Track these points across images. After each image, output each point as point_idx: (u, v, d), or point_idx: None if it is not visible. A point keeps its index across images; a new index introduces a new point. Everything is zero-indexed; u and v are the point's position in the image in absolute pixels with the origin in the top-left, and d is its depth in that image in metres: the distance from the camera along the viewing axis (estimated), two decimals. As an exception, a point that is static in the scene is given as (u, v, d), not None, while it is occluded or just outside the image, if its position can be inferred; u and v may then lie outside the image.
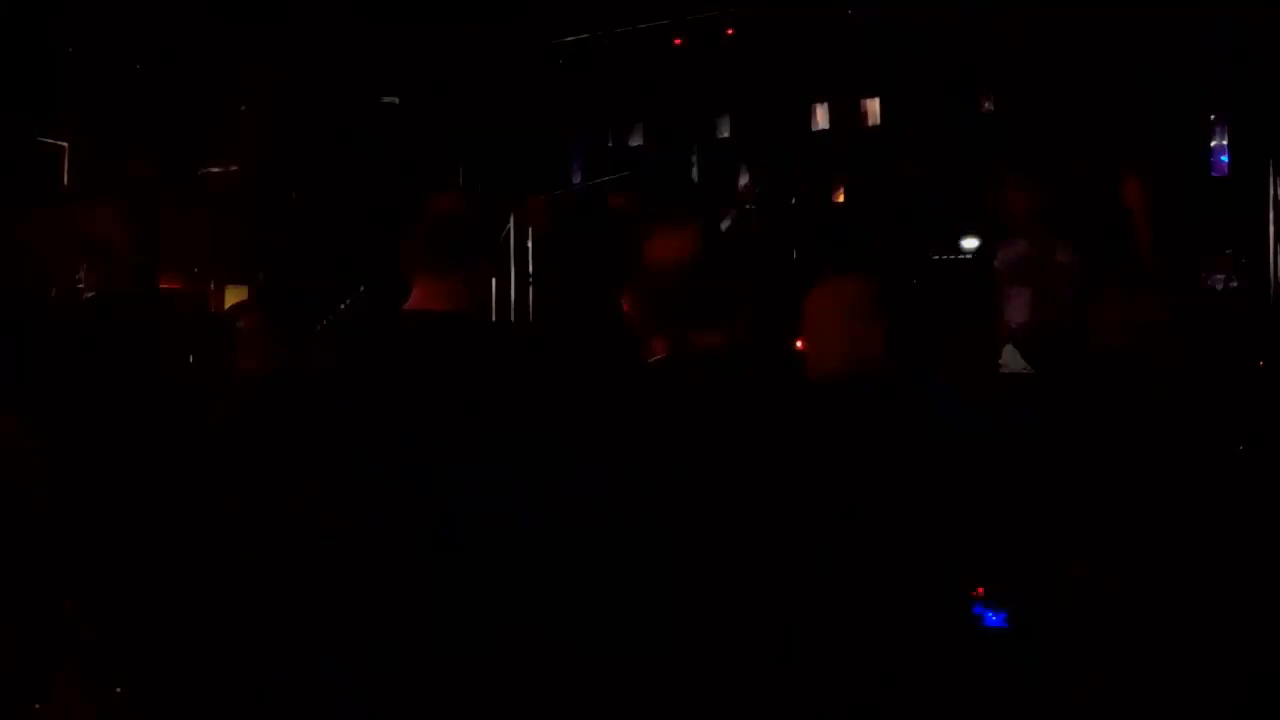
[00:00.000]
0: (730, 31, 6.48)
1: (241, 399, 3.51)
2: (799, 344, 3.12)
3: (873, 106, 6.46)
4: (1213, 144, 5.56)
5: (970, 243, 5.67)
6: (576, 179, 7.18)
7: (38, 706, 2.96)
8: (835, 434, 2.66)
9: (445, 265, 2.44)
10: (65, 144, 6.36)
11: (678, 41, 6.51)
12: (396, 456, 2.34)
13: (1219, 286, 5.32)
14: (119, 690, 3.04)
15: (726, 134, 6.94)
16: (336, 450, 2.42)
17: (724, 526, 2.15)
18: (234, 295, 5.92)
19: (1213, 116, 5.54)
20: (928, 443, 2.82)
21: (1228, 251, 5.33)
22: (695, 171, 7.09)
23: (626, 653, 2.14)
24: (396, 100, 6.82)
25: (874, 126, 6.46)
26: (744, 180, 6.85)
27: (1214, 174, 5.59)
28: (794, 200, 6.70)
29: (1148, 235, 3.87)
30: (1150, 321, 3.15)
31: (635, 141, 7.17)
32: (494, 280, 2.58)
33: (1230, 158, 5.54)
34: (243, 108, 6.62)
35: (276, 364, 3.52)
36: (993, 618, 3.46)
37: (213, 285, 6.32)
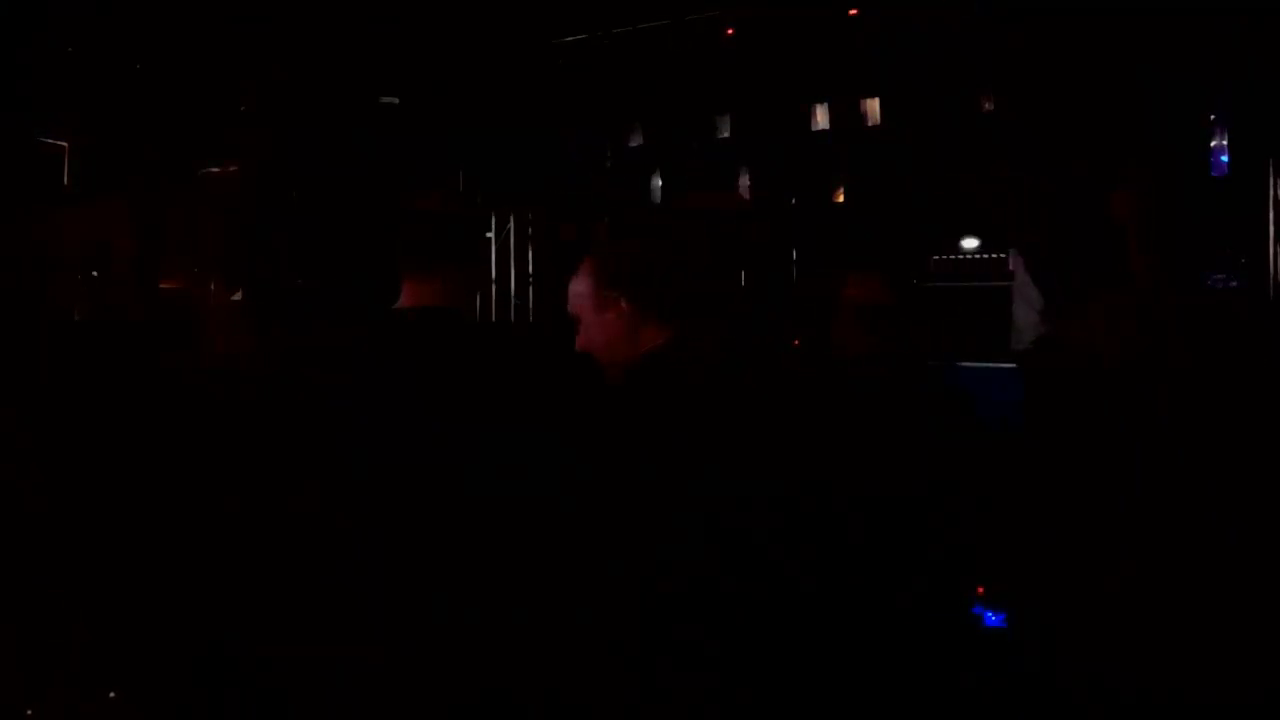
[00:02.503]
0: (730, 31, 6.48)
1: (240, 397, 3.51)
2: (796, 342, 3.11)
3: (873, 106, 6.46)
4: (1213, 144, 5.56)
5: (970, 243, 5.68)
6: (577, 180, 7.19)
7: (37, 707, 2.96)
8: (840, 429, 2.66)
9: (429, 264, 2.46)
10: (65, 144, 6.36)
11: (678, 41, 6.50)
12: (394, 455, 2.34)
13: (1219, 286, 5.32)
14: (113, 694, 3.04)
15: (726, 134, 6.94)
16: (335, 449, 2.42)
17: (725, 524, 2.15)
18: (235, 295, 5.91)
19: (1213, 116, 5.54)
20: (933, 439, 2.82)
21: (1228, 251, 5.33)
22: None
23: (629, 650, 2.14)
24: (396, 100, 6.82)
25: (874, 126, 6.45)
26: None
27: (1214, 174, 5.60)
28: (794, 200, 6.70)
29: (1138, 239, 3.86)
30: (1147, 323, 3.15)
31: (635, 141, 7.17)
32: (490, 278, 2.59)
33: (1230, 158, 5.54)
34: (242, 108, 6.62)
35: (252, 350, 3.52)
36: (993, 618, 3.46)
37: (213, 285, 6.31)
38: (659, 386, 2.24)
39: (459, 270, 2.50)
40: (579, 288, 2.33)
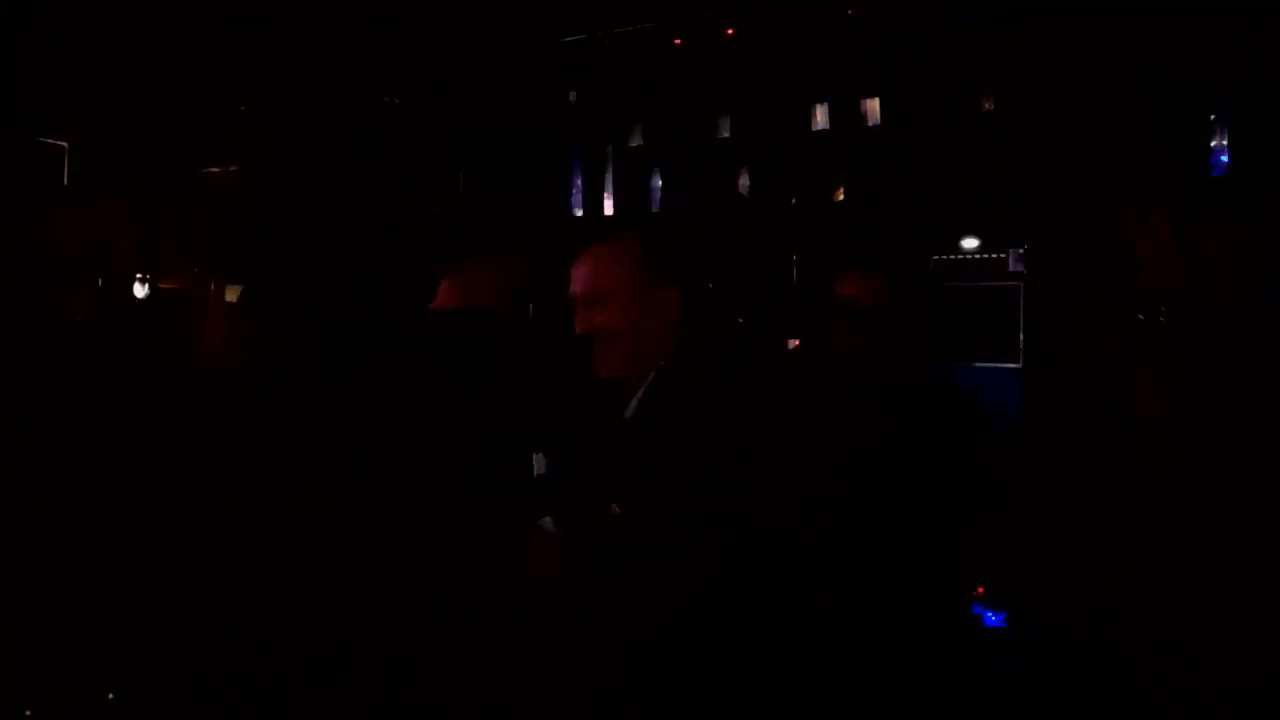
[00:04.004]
0: (730, 31, 6.47)
1: (240, 397, 3.52)
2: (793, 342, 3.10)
3: (873, 106, 6.45)
4: (1213, 144, 5.56)
5: (970, 243, 5.67)
6: (577, 181, 7.18)
7: (37, 707, 2.96)
8: (839, 430, 2.66)
9: (461, 263, 2.46)
10: (65, 144, 6.36)
11: (678, 42, 6.52)
12: (395, 455, 2.34)
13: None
14: (112, 696, 3.04)
15: (727, 134, 6.93)
16: (335, 449, 2.42)
17: (734, 523, 2.15)
18: (235, 295, 5.91)
19: (1213, 116, 5.53)
20: (933, 438, 2.82)
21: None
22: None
23: (627, 648, 2.14)
24: (396, 100, 6.81)
25: (874, 126, 6.44)
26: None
27: (1214, 174, 5.59)
28: (794, 200, 6.69)
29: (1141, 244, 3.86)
30: (1147, 322, 3.16)
31: (635, 142, 7.17)
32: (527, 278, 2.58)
33: (1230, 158, 5.53)
34: (242, 108, 6.61)
35: (252, 350, 3.53)
36: (993, 618, 3.46)
37: (213, 285, 6.30)
38: (700, 383, 2.24)
39: (490, 270, 2.49)
40: (614, 279, 2.30)
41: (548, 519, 2.17)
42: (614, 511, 2.15)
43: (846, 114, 6.51)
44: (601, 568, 2.14)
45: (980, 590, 3.48)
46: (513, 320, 2.52)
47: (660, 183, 6.99)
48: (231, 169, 6.68)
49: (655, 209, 6.90)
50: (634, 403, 2.29)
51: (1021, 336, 5.22)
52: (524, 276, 2.55)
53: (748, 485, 2.15)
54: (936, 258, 5.72)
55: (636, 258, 2.29)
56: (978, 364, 5.10)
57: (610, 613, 2.12)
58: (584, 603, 2.14)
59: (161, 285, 6.04)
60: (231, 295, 5.95)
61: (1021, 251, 5.43)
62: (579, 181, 7.17)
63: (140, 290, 5.15)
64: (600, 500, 2.19)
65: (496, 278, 2.49)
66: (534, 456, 2.16)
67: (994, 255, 5.54)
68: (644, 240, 2.33)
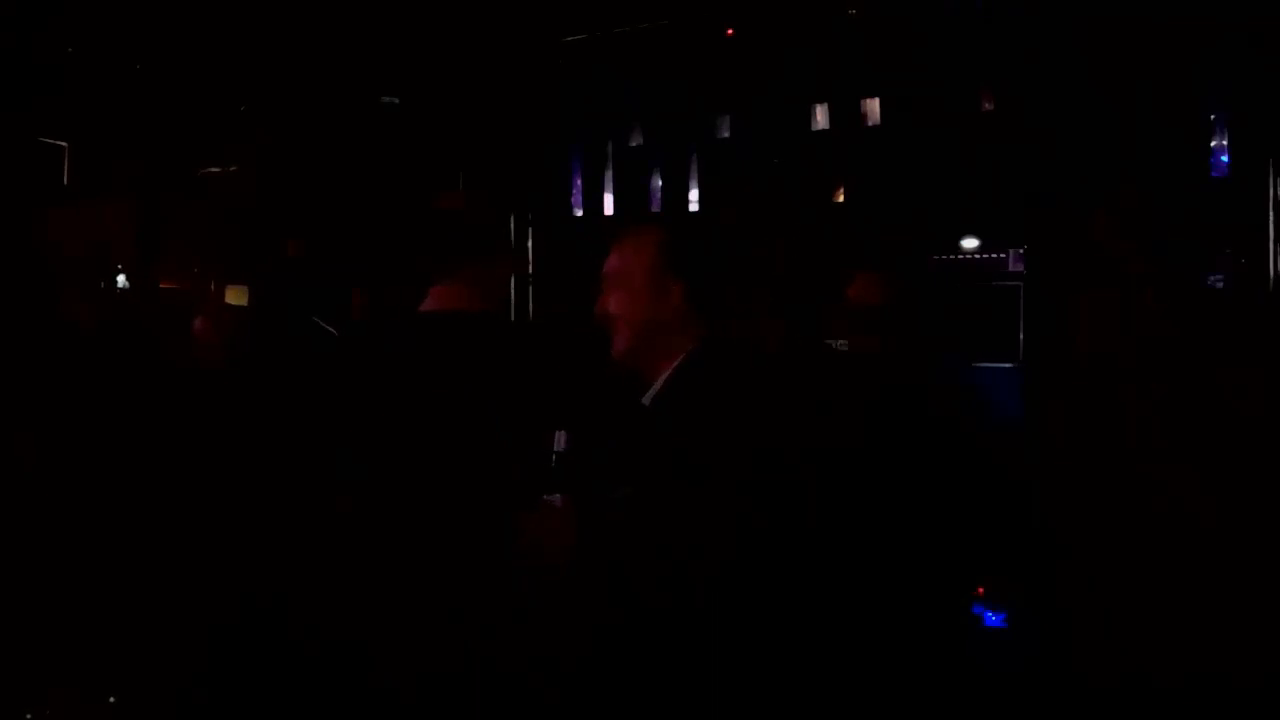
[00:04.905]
0: (730, 32, 6.47)
1: (237, 397, 3.52)
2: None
3: (873, 106, 6.45)
4: (1213, 144, 5.55)
5: (970, 243, 5.67)
6: (577, 180, 7.18)
7: (36, 710, 2.97)
8: (840, 429, 2.66)
9: (456, 265, 2.46)
10: (65, 144, 6.36)
11: (679, 41, 6.51)
12: (394, 455, 2.34)
13: (1219, 286, 5.30)
14: (112, 700, 3.05)
15: (727, 134, 6.93)
16: (333, 450, 2.43)
17: (742, 522, 2.15)
18: (234, 295, 5.90)
19: (1213, 117, 5.53)
20: (933, 438, 2.82)
21: (1228, 251, 5.31)
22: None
23: (635, 631, 2.14)
24: (396, 100, 6.82)
25: (874, 126, 6.44)
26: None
27: (1214, 174, 5.58)
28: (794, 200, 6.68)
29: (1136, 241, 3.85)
30: (1146, 323, 3.16)
31: (636, 141, 7.17)
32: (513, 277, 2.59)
33: (1230, 158, 5.53)
34: (242, 108, 6.62)
35: (249, 352, 3.53)
36: (993, 618, 3.46)
37: (213, 285, 6.30)
38: (714, 385, 2.25)
39: (487, 270, 2.50)
40: (630, 264, 2.33)
41: (556, 496, 2.17)
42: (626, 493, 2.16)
43: (846, 114, 6.50)
44: (611, 546, 2.14)
45: (980, 590, 3.49)
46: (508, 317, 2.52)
47: (660, 183, 6.99)
48: (231, 169, 6.68)
49: (655, 209, 6.90)
50: (655, 388, 2.30)
51: (1021, 336, 5.22)
52: (507, 278, 2.55)
53: (753, 478, 2.16)
54: (936, 258, 5.71)
55: (656, 247, 2.36)
56: (977, 364, 5.10)
57: (615, 592, 2.13)
58: (591, 581, 2.14)
59: (162, 285, 6.03)
60: (231, 296, 5.95)
61: (1021, 251, 5.43)
62: (579, 181, 7.17)
63: (121, 280, 5.16)
64: (612, 480, 2.19)
65: (482, 281, 2.49)
66: (556, 434, 2.17)
67: (994, 255, 5.54)
68: (664, 232, 2.40)
